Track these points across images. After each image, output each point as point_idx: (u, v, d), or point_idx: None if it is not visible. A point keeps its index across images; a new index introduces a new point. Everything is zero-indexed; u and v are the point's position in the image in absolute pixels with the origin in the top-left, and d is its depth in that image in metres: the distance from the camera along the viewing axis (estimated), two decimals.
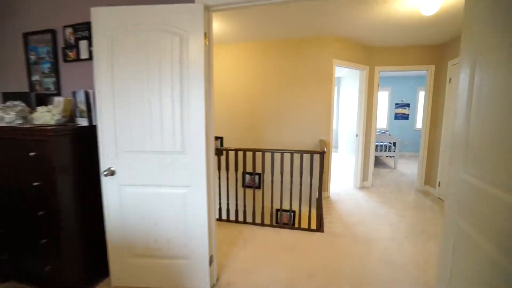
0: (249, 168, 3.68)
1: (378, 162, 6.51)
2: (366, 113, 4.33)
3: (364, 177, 4.53)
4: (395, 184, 4.76)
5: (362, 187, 4.50)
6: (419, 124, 7.79)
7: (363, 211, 3.46)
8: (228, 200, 3.12)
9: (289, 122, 4.00)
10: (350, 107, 5.73)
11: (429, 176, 4.31)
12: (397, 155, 6.17)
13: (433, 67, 4.11)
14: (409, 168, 6.06)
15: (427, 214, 3.36)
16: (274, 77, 3.98)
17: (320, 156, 2.71)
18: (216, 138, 4.34)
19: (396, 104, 7.84)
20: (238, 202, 3.38)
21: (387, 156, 6.58)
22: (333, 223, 3.09)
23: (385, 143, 6.24)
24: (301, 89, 3.89)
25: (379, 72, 4.28)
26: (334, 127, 8.41)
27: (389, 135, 6.84)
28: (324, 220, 3.18)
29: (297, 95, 3.91)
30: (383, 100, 7.81)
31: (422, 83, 7.54)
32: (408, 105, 7.77)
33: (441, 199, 3.91)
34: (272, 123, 4.07)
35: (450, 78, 3.77)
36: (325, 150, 2.75)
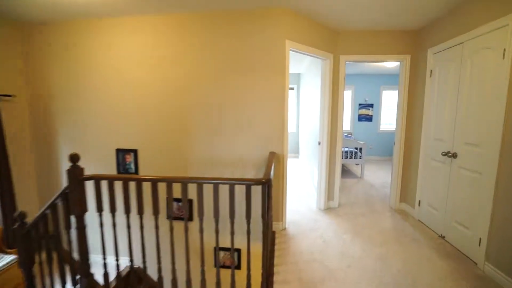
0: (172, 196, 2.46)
1: (342, 170, 5.71)
2: (331, 115, 3.39)
3: (330, 195, 3.58)
4: (365, 201, 3.91)
5: (328, 209, 3.54)
6: (383, 126, 7.25)
7: (331, 253, 2.46)
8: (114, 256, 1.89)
9: (227, 128, 2.87)
10: (311, 109, 4.81)
11: (405, 192, 3.51)
12: (363, 162, 5.41)
13: (408, 57, 3.31)
14: (376, 177, 5.33)
15: (413, 249, 2.48)
16: (206, 66, 2.83)
17: (262, 187, 1.61)
18: (128, 151, 3.05)
19: (360, 104, 7.19)
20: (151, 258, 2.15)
21: (355, 164, 5.82)
22: (289, 283, 2.02)
23: (350, 149, 5.45)
24: (244, 82, 2.79)
25: (344, 63, 3.36)
26: (295, 130, 7.53)
27: (354, 139, 6.10)
28: (276, 275, 2.11)
29: (238, 90, 2.80)
30: (346, 100, 7.11)
31: (386, 82, 6.99)
32: (371, 105, 7.16)
33: (422, 222, 3.10)
34: (205, 130, 2.91)
35: (431, 71, 2.97)
36: (271, 177, 1.67)
